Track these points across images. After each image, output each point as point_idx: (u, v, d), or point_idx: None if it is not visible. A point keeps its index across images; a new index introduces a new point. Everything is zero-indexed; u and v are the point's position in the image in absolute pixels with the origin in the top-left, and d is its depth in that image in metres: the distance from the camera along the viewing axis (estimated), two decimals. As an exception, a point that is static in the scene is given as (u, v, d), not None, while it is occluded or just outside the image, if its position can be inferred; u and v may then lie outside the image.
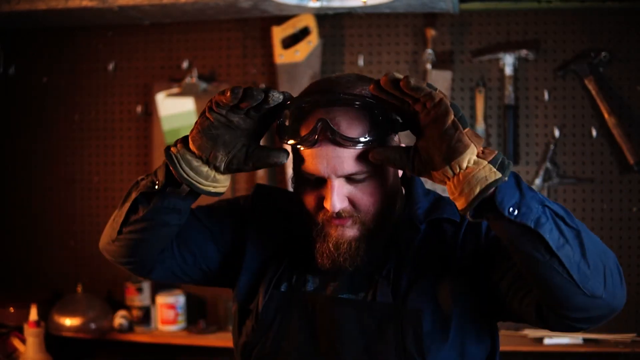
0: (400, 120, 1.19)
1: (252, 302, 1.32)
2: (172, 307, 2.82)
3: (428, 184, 1.35)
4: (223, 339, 2.72)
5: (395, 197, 1.29)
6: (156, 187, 1.23)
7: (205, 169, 1.20)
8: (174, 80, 2.94)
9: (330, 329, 1.25)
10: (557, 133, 2.70)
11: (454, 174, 1.09)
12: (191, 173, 1.20)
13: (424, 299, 1.24)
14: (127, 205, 1.27)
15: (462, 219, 1.31)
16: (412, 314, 1.22)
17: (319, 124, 1.16)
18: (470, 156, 1.08)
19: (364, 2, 2.44)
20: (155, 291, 2.87)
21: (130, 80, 3.03)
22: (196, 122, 1.20)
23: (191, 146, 1.20)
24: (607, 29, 2.65)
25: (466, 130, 1.08)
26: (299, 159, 1.23)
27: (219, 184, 1.23)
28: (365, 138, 1.17)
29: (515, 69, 2.69)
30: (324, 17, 2.82)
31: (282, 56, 2.79)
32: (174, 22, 2.94)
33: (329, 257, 1.23)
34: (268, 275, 1.33)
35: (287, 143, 1.21)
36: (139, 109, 3.01)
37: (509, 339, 2.55)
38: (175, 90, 2.91)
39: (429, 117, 1.09)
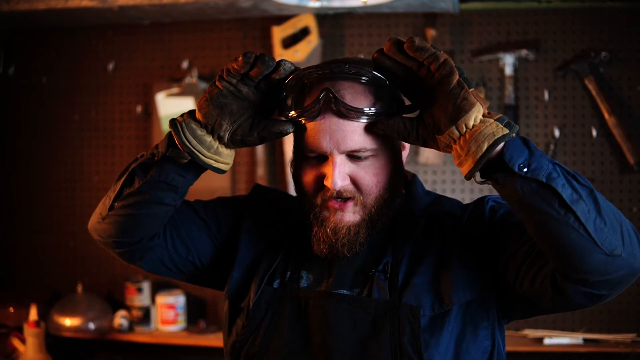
0: (406, 103, 1.17)
1: (244, 301, 1.29)
2: (172, 307, 2.82)
3: (427, 185, 1.34)
4: (223, 339, 2.72)
5: (398, 182, 1.26)
6: (155, 158, 1.21)
7: (209, 138, 1.18)
8: (173, 80, 2.94)
9: (323, 326, 1.21)
10: (557, 133, 2.70)
11: (460, 134, 1.07)
12: (194, 141, 1.17)
13: (422, 293, 1.20)
14: (123, 178, 1.25)
15: (463, 212, 1.28)
16: (409, 310, 1.18)
17: (323, 93, 1.14)
18: (476, 114, 1.06)
19: (364, 2, 2.44)
20: (155, 291, 2.87)
21: (130, 80, 3.03)
22: (205, 92, 1.19)
23: (197, 114, 1.18)
24: (607, 29, 2.65)
25: (471, 90, 1.07)
26: (299, 136, 1.20)
27: (222, 158, 1.20)
28: (371, 110, 1.15)
29: (515, 69, 2.69)
30: (324, 17, 2.82)
31: (282, 56, 2.79)
32: (174, 22, 2.94)
33: (326, 242, 1.20)
34: (261, 271, 1.29)
35: (288, 116, 1.18)
36: (138, 109, 3.01)
37: (509, 339, 2.51)
38: (175, 90, 2.91)
39: (434, 79, 1.07)
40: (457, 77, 1.06)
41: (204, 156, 1.18)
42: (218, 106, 1.16)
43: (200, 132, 1.17)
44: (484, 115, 1.06)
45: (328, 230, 1.20)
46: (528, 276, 1.13)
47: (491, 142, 1.04)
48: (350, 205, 1.20)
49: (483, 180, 1.09)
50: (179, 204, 1.27)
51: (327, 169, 1.18)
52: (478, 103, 1.06)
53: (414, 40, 1.06)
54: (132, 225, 1.26)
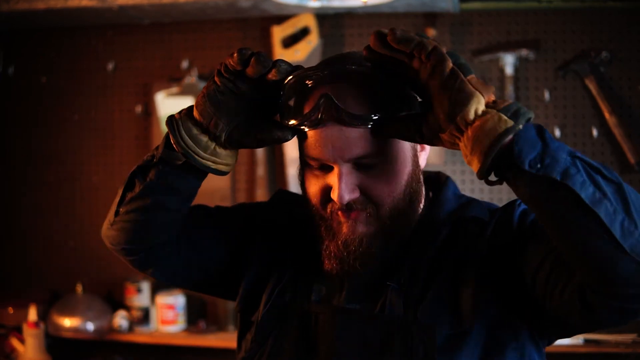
0: (419, 99, 1.04)
1: (254, 314, 1.21)
2: (171, 307, 2.81)
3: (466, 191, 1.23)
4: (223, 340, 2.71)
5: (416, 189, 1.14)
6: (154, 159, 1.13)
7: (205, 138, 1.09)
8: (173, 80, 2.94)
9: (331, 343, 1.11)
10: (557, 133, 2.69)
11: (462, 131, 0.93)
12: (189, 142, 1.09)
13: (439, 310, 1.08)
14: (125, 182, 1.18)
15: (491, 217, 1.15)
16: (424, 328, 1.06)
17: (322, 100, 1.04)
18: (476, 106, 0.92)
19: (364, 2, 2.44)
20: (155, 291, 2.86)
21: (129, 80, 3.02)
22: (203, 87, 1.11)
23: (194, 112, 1.10)
24: (608, 29, 2.64)
25: (470, 77, 0.94)
26: (302, 143, 1.11)
27: (220, 159, 1.11)
28: (376, 116, 1.03)
29: (516, 69, 2.69)
30: (324, 17, 2.82)
31: (283, 56, 2.78)
32: (173, 22, 2.94)
33: (337, 257, 1.10)
34: (271, 283, 1.20)
35: (288, 124, 1.09)
36: (138, 108, 3.00)
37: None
38: (175, 90, 2.90)
39: (426, 71, 0.95)
40: (450, 65, 0.93)
41: (200, 157, 1.10)
42: (215, 104, 1.08)
43: (196, 131, 1.09)
44: (487, 105, 0.93)
45: (339, 242, 1.10)
46: (557, 289, 0.99)
47: (492, 139, 0.90)
48: (363, 215, 1.09)
49: (496, 179, 0.95)
50: (185, 208, 1.19)
51: (333, 180, 1.08)
52: (477, 92, 0.92)
53: (396, 32, 0.94)
54: (139, 232, 1.18)
